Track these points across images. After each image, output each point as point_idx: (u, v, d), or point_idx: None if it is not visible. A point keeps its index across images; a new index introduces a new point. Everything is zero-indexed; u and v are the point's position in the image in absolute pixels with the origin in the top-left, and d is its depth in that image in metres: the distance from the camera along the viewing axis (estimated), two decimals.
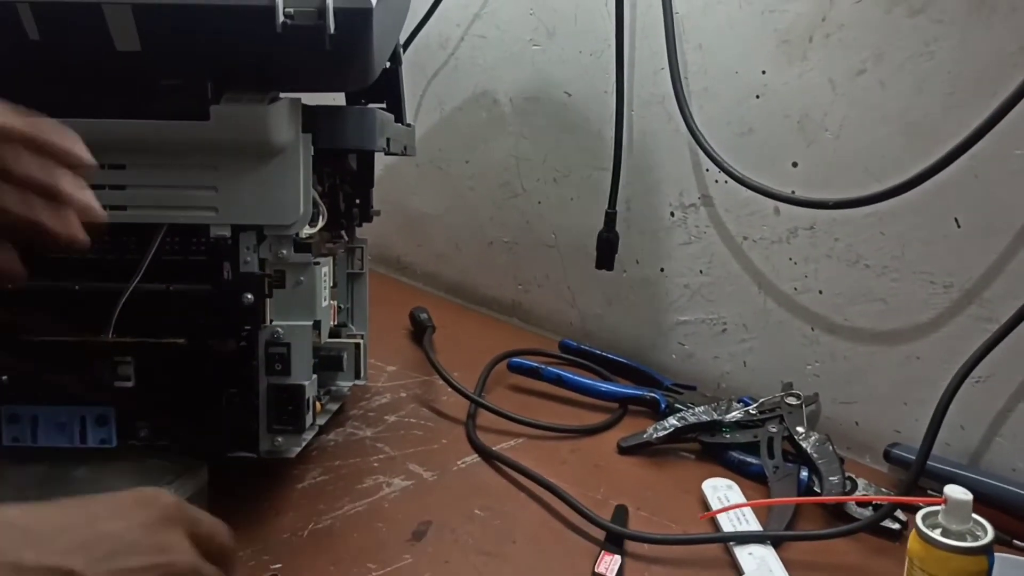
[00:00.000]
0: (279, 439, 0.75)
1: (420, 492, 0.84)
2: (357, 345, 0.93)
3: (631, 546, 0.77)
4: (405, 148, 0.94)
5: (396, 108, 0.93)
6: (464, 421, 0.97)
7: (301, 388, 0.74)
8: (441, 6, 1.23)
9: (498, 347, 1.13)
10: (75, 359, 0.74)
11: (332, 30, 0.65)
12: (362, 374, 0.94)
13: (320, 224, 0.78)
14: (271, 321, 0.74)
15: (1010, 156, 0.79)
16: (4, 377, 0.74)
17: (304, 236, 0.74)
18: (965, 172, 0.81)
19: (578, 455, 0.92)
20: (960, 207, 0.83)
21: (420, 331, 1.18)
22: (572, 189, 1.18)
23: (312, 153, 0.73)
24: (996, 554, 0.61)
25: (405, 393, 1.04)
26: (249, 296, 0.72)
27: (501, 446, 0.93)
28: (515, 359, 1.08)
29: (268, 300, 0.74)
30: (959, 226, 0.83)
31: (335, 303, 0.89)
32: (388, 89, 0.92)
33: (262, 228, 0.72)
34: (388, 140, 0.83)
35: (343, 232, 0.90)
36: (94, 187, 0.70)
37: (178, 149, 0.69)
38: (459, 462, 0.90)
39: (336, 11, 0.65)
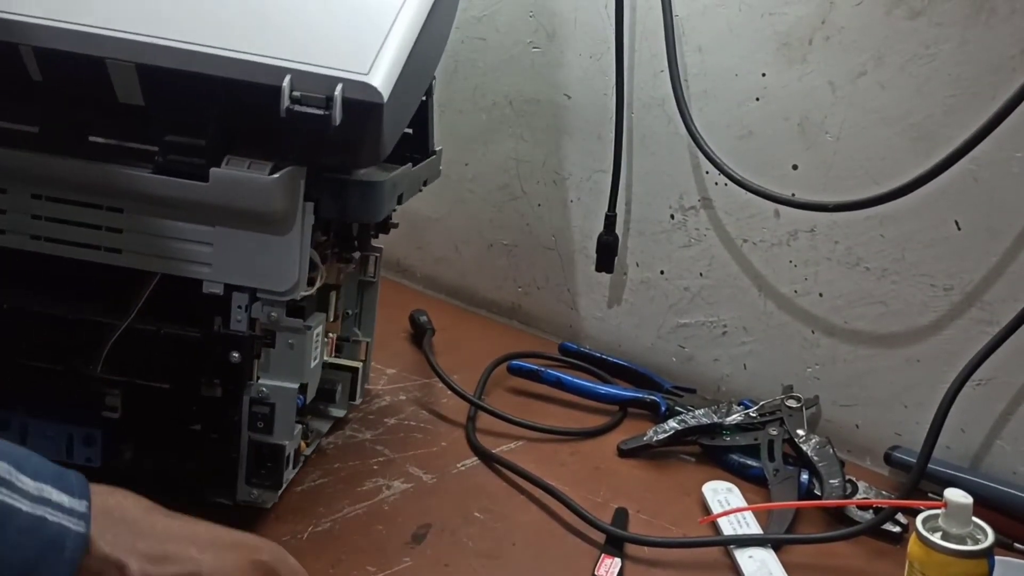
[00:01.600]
0: (255, 492, 0.75)
1: (420, 495, 0.84)
2: (354, 371, 0.92)
3: (631, 549, 0.77)
4: (425, 181, 0.92)
5: (423, 137, 0.91)
6: (464, 424, 0.97)
7: (282, 448, 0.74)
8: None
9: (498, 350, 1.13)
10: (64, 385, 0.73)
11: (338, 122, 0.62)
12: (357, 397, 0.94)
13: (319, 283, 0.76)
14: (257, 378, 0.73)
15: (1011, 159, 0.79)
16: None
17: (299, 299, 0.72)
18: (965, 175, 0.81)
19: (578, 458, 0.92)
20: (960, 210, 0.83)
21: (420, 334, 1.18)
22: (572, 191, 1.18)
23: (313, 222, 0.71)
24: (996, 557, 0.61)
25: (405, 396, 1.04)
26: (236, 355, 0.71)
27: (501, 449, 0.92)
28: (515, 362, 1.08)
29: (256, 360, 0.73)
30: (959, 228, 0.83)
31: (338, 328, 0.87)
32: (417, 119, 0.88)
33: (255, 290, 0.71)
34: (401, 196, 0.81)
35: (355, 252, 0.87)
36: (89, 226, 0.69)
37: (176, 203, 0.68)
38: (459, 465, 0.89)
39: (345, 102, 0.62)
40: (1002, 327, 0.77)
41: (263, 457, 0.74)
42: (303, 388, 0.75)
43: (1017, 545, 0.76)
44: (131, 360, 0.72)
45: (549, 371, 1.05)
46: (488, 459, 0.90)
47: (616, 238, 1.12)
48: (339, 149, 0.67)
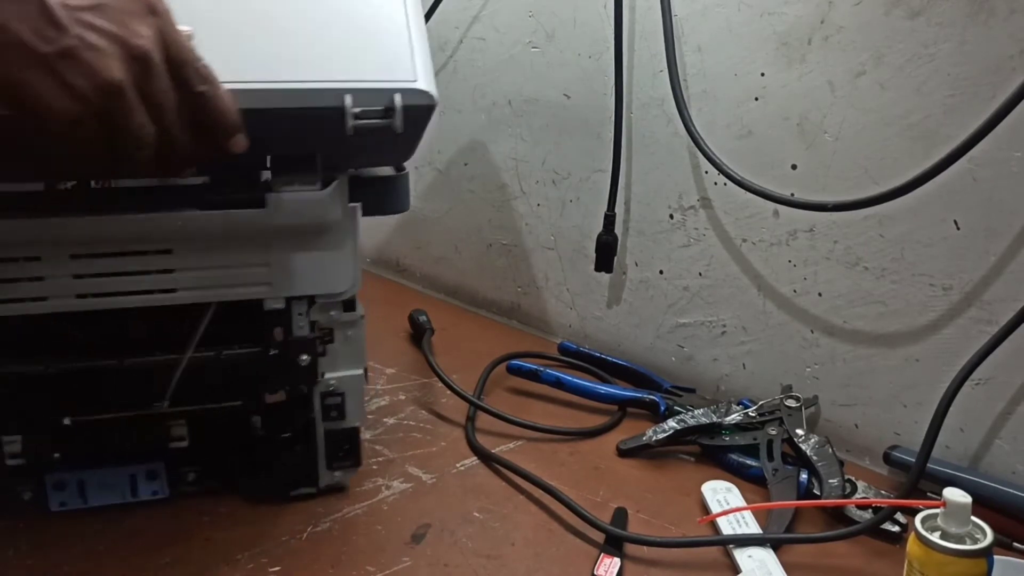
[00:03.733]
0: (337, 474, 0.80)
1: (419, 495, 0.84)
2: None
3: (630, 549, 0.77)
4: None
5: None
6: (463, 423, 0.97)
7: (356, 429, 0.79)
8: (440, 8, 1.23)
9: (497, 349, 1.13)
10: (130, 429, 0.74)
11: (400, 130, 0.64)
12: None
13: None
14: (323, 374, 0.76)
15: (1010, 158, 0.79)
16: (57, 455, 0.73)
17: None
18: (964, 174, 0.81)
19: (577, 457, 0.92)
20: (959, 209, 0.83)
21: (419, 333, 1.18)
22: (571, 191, 1.18)
23: (360, 223, 0.73)
24: (995, 557, 0.61)
25: (404, 395, 1.04)
26: (306, 357, 0.74)
27: (500, 448, 0.92)
28: (514, 361, 1.08)
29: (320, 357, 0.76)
30: (958, 228, 0.83)
31: None
32: None
33: (314, 296, 0.73)
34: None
35: None
36: (138, 273, 0.67)
37: (231, 234, 0.69)
38: (458, 464, 0.89)
39: (405, 109, 0.64)
40: (1001, 327, 0.77)
41: (339, 441, 0.79)
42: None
43: (1016, 545, 0.76)
44: (196, 389, 0.73)
45: (548, 371, 1.05)
46: (487, 459, 0.90)
47: (615, 238, 1.12)
48: (389, 151, 0.71)
